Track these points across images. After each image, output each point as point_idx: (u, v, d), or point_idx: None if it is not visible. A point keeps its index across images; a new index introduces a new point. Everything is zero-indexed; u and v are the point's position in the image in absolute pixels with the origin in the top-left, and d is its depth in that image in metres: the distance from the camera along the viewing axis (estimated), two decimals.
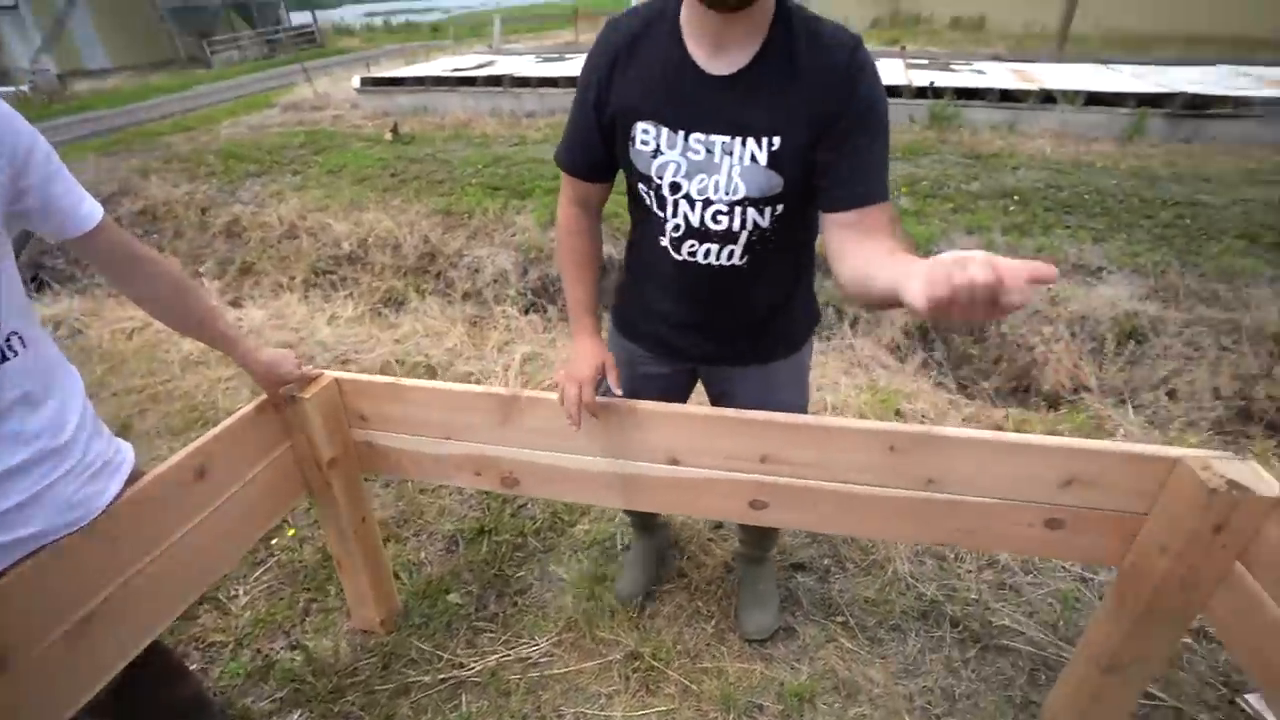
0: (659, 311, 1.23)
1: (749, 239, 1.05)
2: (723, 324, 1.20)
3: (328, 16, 34.01)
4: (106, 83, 16.33)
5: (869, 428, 1.12)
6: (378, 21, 32.47)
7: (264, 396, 1.32)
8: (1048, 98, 5.82)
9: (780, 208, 1.02)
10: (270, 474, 1.33)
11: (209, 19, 20.14)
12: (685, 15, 0.97)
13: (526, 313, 3.54)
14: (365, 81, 8.18)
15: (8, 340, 0.85)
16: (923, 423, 2.30)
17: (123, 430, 2.64)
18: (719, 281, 1.11)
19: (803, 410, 1.32)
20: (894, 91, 6.11)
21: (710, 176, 1.00)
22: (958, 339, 3.27)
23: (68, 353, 1.00)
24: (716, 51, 0.96)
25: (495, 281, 3.75)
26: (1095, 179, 4.48)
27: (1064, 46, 10.07)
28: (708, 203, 1.02)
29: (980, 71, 7.18)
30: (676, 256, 1.10)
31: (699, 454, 1.22)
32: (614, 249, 3.36)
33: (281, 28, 22.56)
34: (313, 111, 8.27)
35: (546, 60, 9.08)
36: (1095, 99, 5.73)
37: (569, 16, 18.17)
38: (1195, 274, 3.44)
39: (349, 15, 42.08)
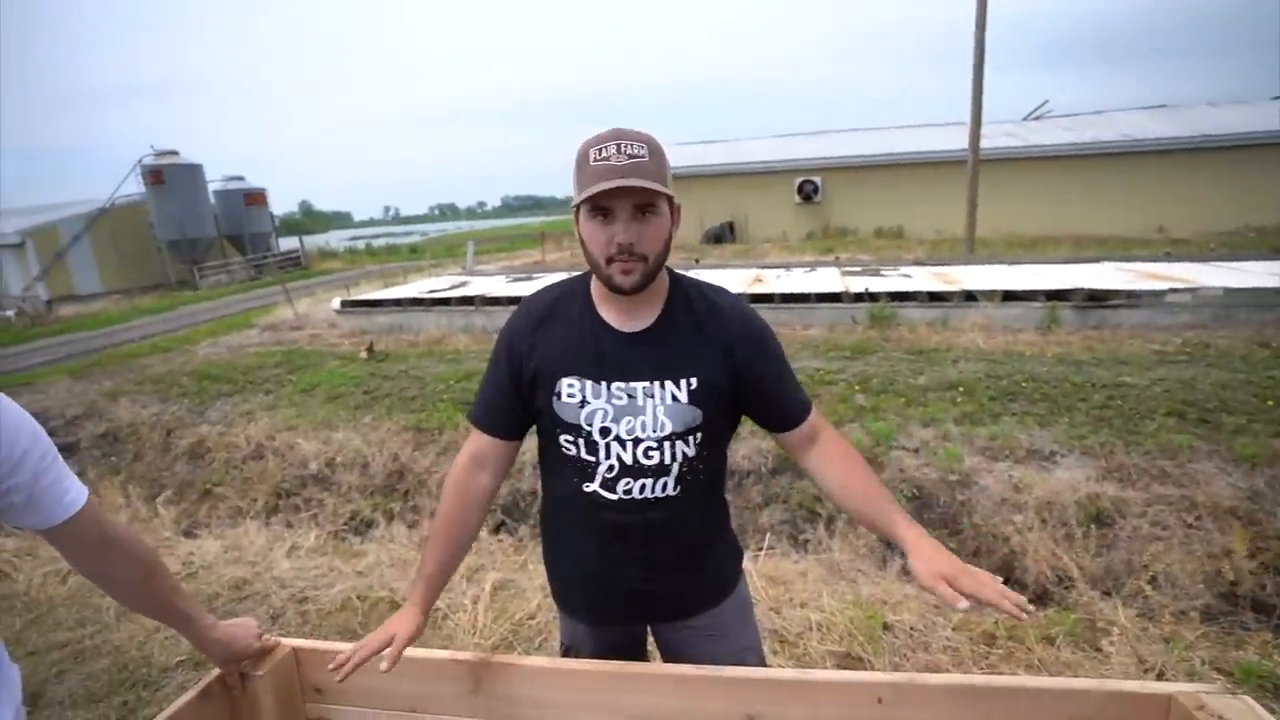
0: (595, 571, 1.25)
1: (680, 470, 1.13)
2: (664, 563, 1.22)
3: (314, 241, 37.17)
4: (92, 306, 17.04)
5: (854, 679, 1.08)
6: (360, 245, 35.49)
7: (211, 673, 1.22)
8: (969, 296, 6.51)
9: (701, 436, 1.13)
10: None
11: (203, 248, 21.78)
12: (597, 293, 1.15)
13: (496, 531, 3.45)
14: (345, 303, 8.74)
15: None
16: (911, 636, 2.21)
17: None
18: (657, 514, 1.16)
19: (759, 650, 1.35)
20: (835, 297, 6.79)
21: (637, 418, 1.10)
22: (934, 533, 3.27)
23: None
24: (628, 317, 1.13)
25: None
26: (1027, 366, 4.86)
27: (973, 249, 11.50)
28: (637, 441, 1.11)
29: (907, 275, 8.09)
30: (611, 496, 1.14)
31: (681, 717, 1.14)
32: None
33: (270, 253, 24.42)
34: (291, 331, 8.66)
35: (516, 280, 9.93)
36: (1011, 295, 6.43)
37: (536, 238, 20.23)
38: (1140, 453, 3.60)
39: (334, 239, 46.02)
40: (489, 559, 3.08)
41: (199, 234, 21.45)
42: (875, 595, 2.55)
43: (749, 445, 3.79)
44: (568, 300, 1.18)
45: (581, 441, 1.13)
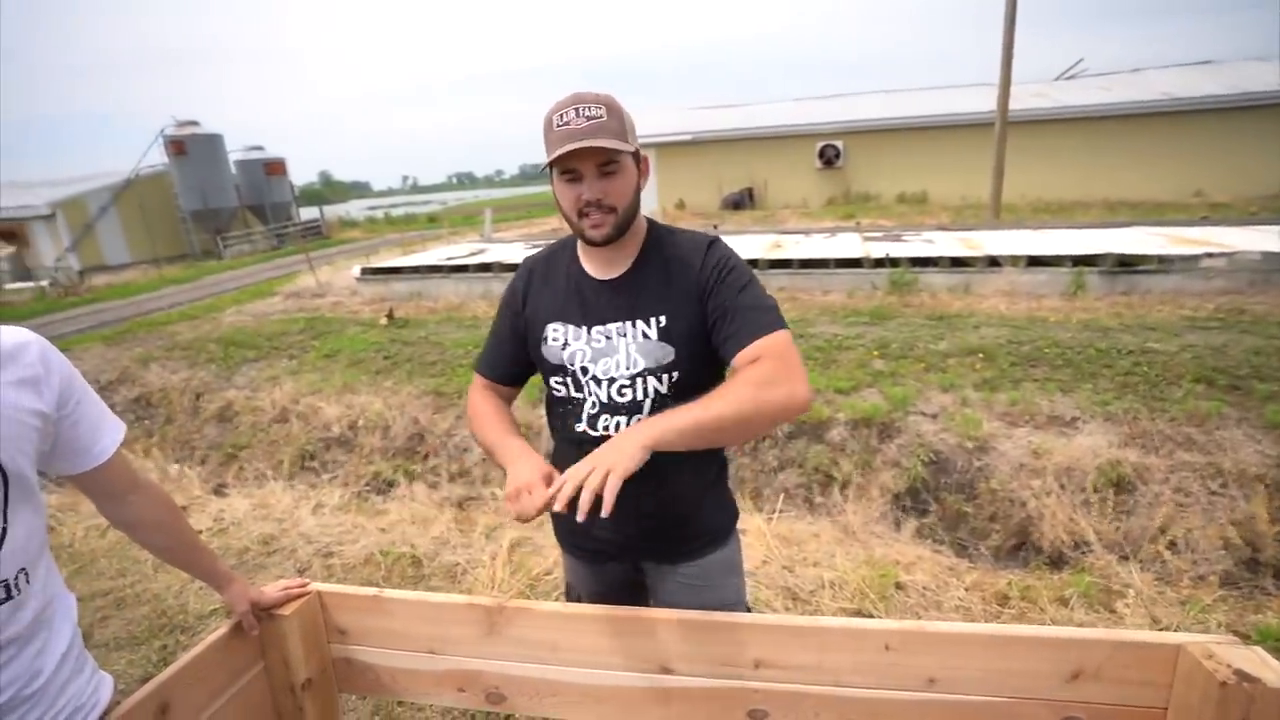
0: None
1: (653, 407, 1.17)
2: (643, 506, 1.22)
3: (334, 210, 37.34)
4: (122, 276, 17.36)
5: (863, 626, 1.10)
6: (379, 214, 35.60)
7: (242, 610, 1.28)
8: (993, 261, 6.36)
9: (676, 375, 1.17)
10: (237, 705, 1.24)
11: (226, 218, 22.00)
12: (581, 246, 1.25)
13: None
14: (365, 271, 8.80)
15: (15, 578, 0.82)
16: (923, 595, 2.22)
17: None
18: None
19: (744, 608, 1.38)
20: (854, 263, 6.68)
21: (611, 357, 1.18)
22: (950, 498, 3.27)
23: None
24: (606, 265, 1.21)
25: (484, 460, 3.76)
26: (1051, 333, 4.77)
27: (998, 215, 11.19)
28: (612, 380, 1.18)
29: (930, 241, 7.92)
30: (594, 434, 1.20)
31: (691, 661, 1.17)
32: None
33: (291, 223, 24.57)
34: (314, 299, 8.78)
35: (534, 246, 9.91)
36: (1036, 260, 6.27)
37: (554, 205, 20.03)
38: (1165, 419, 3.54)
39: (354, 209, 46.23)
40: (506, 517, 3.15)
41: (221, 204, 21.63)
42: (888, 555, 2.57)
43: None
44: (558, 255, 1.29)
45: (569, 381, 1.21)
